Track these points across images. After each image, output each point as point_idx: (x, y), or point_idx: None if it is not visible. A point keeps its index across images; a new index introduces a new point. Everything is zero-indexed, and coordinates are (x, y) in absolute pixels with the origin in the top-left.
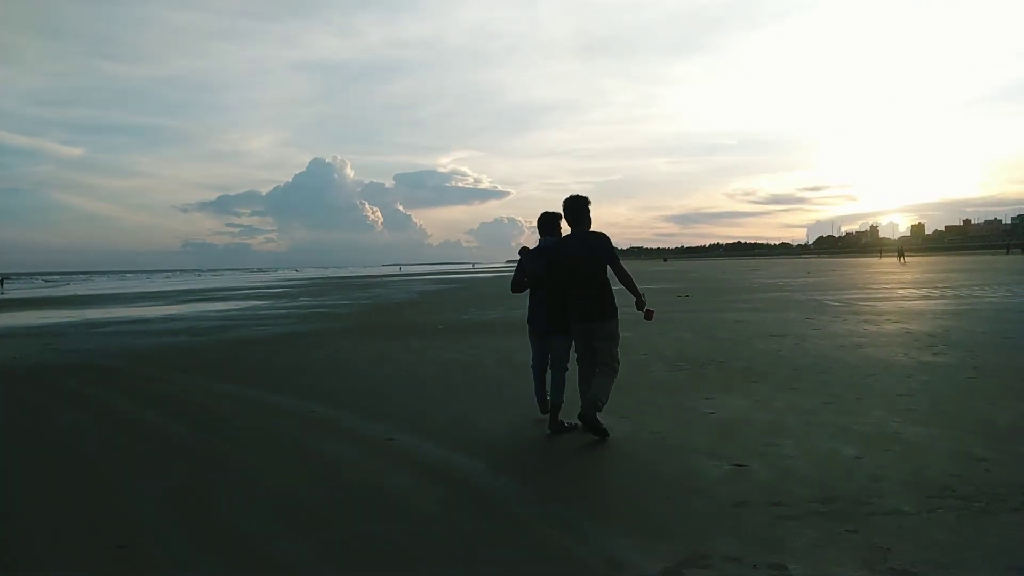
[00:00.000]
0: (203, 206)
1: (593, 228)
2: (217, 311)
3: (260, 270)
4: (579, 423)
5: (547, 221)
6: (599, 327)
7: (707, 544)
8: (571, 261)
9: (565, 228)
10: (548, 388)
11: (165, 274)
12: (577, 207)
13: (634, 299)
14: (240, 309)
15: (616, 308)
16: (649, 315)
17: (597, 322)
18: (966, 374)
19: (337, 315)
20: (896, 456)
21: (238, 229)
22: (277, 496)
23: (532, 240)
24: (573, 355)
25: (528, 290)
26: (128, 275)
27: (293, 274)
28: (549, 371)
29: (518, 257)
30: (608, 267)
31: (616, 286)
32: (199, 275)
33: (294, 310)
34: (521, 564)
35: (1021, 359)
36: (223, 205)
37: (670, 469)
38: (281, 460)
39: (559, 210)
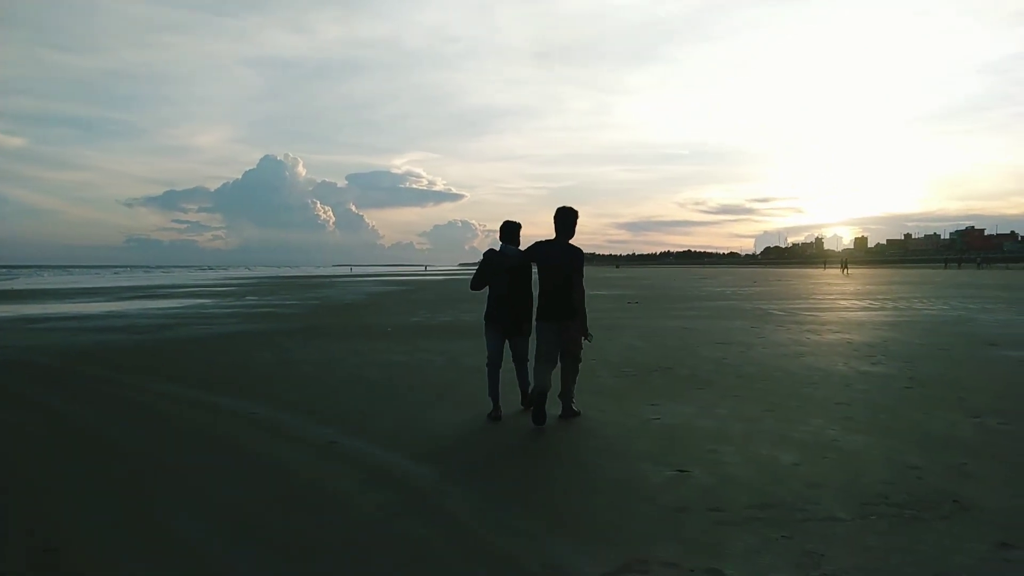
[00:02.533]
0: (149, 201)
1: (510, 223)
2: (160, 309)
3: (210, 268)
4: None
5: (510, 229)
6: (569, 326)
7: (647, 549)
8: (552, 264)
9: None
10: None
11: (114, 270)
12: (568, 218)
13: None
14: (184, 307)
15: (582, 313)
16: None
17: (567, 321)
18: (902, 384)
19: (284, 315)
20: (833, 464)
21: (185, 226)
22: (215, 499)
23: (484, 244)
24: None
25: (487, 289)
26: (75, 270)
27: (245, 272)
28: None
29: (471, 261)
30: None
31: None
32: (148, 271)
33: (240, 309)
34: (461, 570)
35: (956, 371)
36: (169, 201)
37: (614, 474)
38: (220, 462)
39: (517, 219)
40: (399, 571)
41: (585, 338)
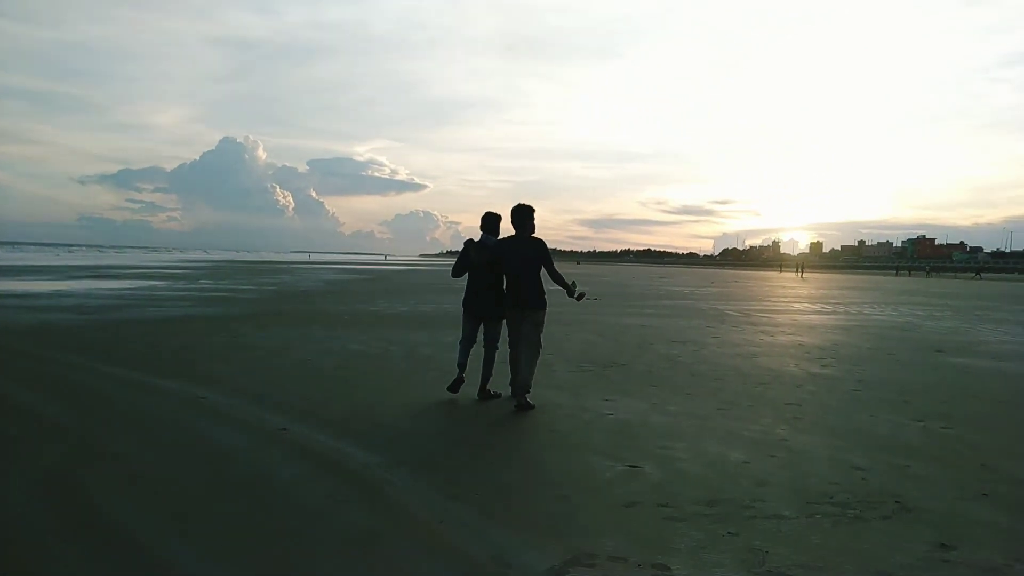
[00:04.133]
0: (103, 179)
1: (491, 214)
2: (109, 289)
3: (167, 249)
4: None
5: (490, 220)
6: (530, 315)
7: (595, 543)
8: (513, 258)
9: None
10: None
11: (68, 248)
12: (523, 214)
13: (565, 292)
14: (134, 288)
15: (546, 302)
16: (580, 297)
17: (528, 311)
18: (851, 386)
19: (238, 300)
20: (780, 463)
21: (139, 205)
22: (156, 484)
23: (446, 235)
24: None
25: (467, 276)
26: (28, 247)
27: (201, 255)
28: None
29: (432, 252)
30: (542, 268)
31: (550, 287)
32: (102, 251)
33: (193, 292)
34: (406, 561)
35: (902, 374)
36: (124, 179)
37: (566, 468)
38: (164, 447)
39: (497, 211)
40: (345, 562)
41: (577, 298)
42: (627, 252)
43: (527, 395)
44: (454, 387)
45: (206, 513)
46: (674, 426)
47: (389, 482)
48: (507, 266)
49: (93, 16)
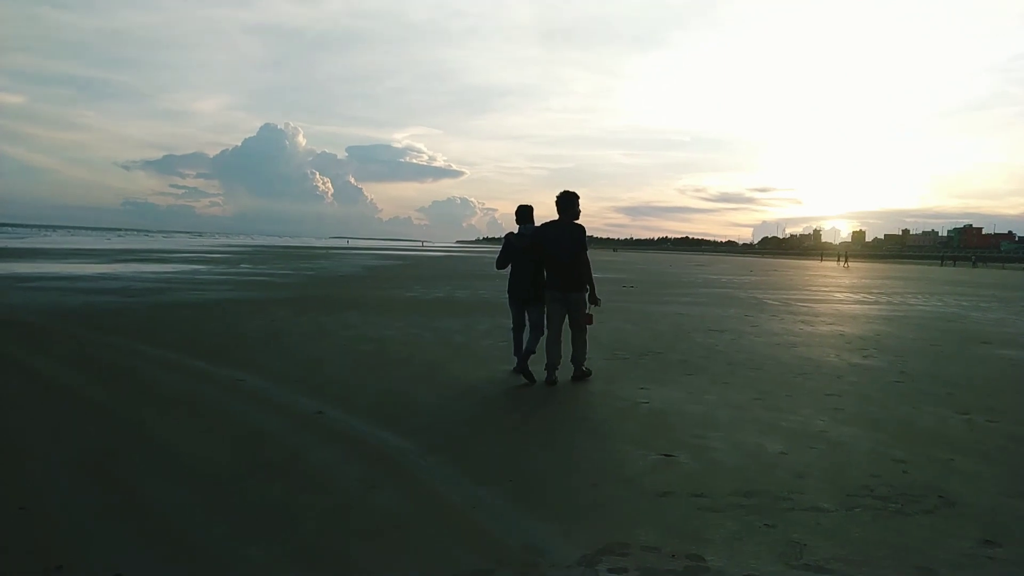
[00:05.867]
0: (147, 165)
1: (524, 206)
2: (153, 272)
3: (211, 234)
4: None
5: (524, 212)
6: (574, 297)
7: (628, 533)
8: (553, 241)
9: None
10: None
11: (118, 232)
12: (568, 199)
13: (588, 290)
14: (177, 272)
15: (585, 284)
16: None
17: (573, 294)
18: (893, 378)
19: (277, 284)
20: (819, 454)
21: (182, 191)
22: (193, 465)
23: (482, 222)
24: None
25: (510, 267)
26: (79, 231)
27: (245, 240)
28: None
29: (469, 239)
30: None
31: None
32: (149, 235)
33: (233, 276)
34: (436, 546)
35: (946, 366)
36: (168, 165)
37: (599, 456)
38: (202, 429)
39: (531, 201)
40: (376, 545)
41: (595, 304)
42: (664, 240)
43: (583, 366)
44: (526, 374)
45: (241, 494)
46: (710, 416)
47: (421, 467)
48: (547, 249)
49: (137, 5)
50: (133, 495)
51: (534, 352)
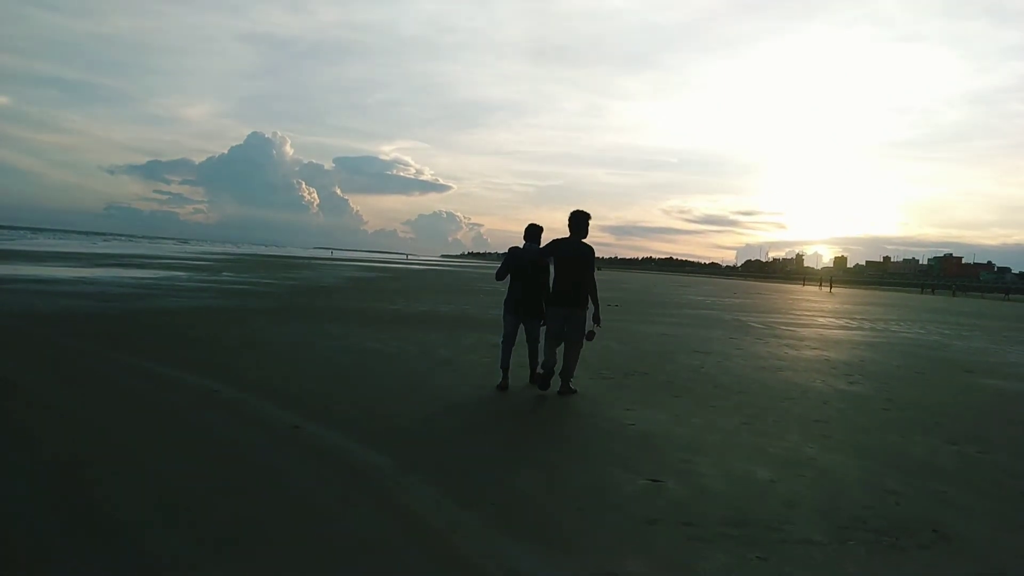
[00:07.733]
0: (132, 169)
1: (533, 225)
2: (133, 278)
3: (196, 241)
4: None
5: (533, 231)
6: (577, 314)
7: (615, 562)
8: (563, 257)
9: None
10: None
11: (103, 237)
12: (580, 218)
13: (593, 309)
14: (156, 278)
15: (587, 303)
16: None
17: (576, 310)
18: (880, 405)
19: (259, 294)
20: (810, 482)
21: (166, 197)
22: (162, 479)
23: (468, 236)
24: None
25: (509, 281)
26: (66, 235)
27: (229, 248)
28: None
29: (454, 253)
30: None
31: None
32: (133, 240)
33: (214, 284)
34: (417, 572)
35: (932, 395)
36: (152, 171)
37: (585, 479)
38: (174, 440)
39: (525, 217)
40: (352, 571)
41: (596, 323)
42: (649, 260)
43: (571, 382)
44: (502, 387)
45: (212, 513)
46: (697, 439)
47: (401, 487)
48: (559, 265)
49: (127, 9)
50: (97, 509)
51: (537, 368)
